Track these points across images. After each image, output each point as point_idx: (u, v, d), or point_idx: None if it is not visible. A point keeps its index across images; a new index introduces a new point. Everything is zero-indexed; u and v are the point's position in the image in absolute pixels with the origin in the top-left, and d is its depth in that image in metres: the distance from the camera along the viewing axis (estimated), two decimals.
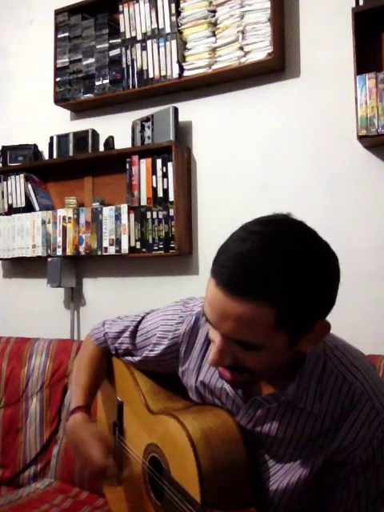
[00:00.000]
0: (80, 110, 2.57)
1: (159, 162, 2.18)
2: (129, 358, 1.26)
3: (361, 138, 1.79)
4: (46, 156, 2.60)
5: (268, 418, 0.97)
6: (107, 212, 2.31)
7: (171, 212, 2.14)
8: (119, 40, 2.34)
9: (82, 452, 1.14)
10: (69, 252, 2.41)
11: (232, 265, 0.80)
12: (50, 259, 2.44)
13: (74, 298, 2.53)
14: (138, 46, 2.28)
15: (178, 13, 2.19)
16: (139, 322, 1.22)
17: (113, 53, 2.37)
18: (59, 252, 2.43)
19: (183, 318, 1.12)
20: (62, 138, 2.49)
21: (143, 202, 2.22)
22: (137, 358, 1.22)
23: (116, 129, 2.42)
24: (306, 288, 0.79)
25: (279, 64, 2.05)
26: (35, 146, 2.61)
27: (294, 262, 0.79)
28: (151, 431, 1.12)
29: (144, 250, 2.21)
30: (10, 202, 2.59)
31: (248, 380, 0.93)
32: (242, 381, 0.93)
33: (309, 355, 0.93)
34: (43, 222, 2.48)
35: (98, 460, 1.10)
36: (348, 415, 0.90)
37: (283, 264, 0.78)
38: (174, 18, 2.19)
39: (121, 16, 2.32)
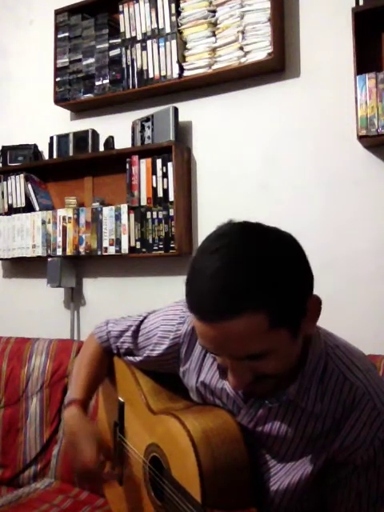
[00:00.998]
0: (80, 109, 2.57)
1: (159, 162, 2.18)
2: (130, 358, 1.26)
3: (361, 137, 1.80)
4: (46, 156, 2.60)
5: (269, 418, 0.97)
6: (107, 212, 2.31)
7: (171, 212, 2.14)
8: (119, 40, 2.34)
9: (75, 449, 1.14)
10: (69, 252, 2.41)
11: (204, 293, 0.80)
12: (50, 259, 2.44)
13: (74, 298, 2.53)
14: (138, 45, 2.28)
15: (178, 13, 2.19)
16: (141, 322, 1.22)
17: (113, 53, 2.37)
18: (59, 252, 2.43)
19: (184, 319, 1.12)
20: (62, 138, 2.49)
21: (143, 202, 2.22)
22: (138, 358, 1.23)
23: (116, 129, 2.42)
24: (281, 279, 0.80)
25: (279, 64, 2.05)
26: (35, 146, 2.61)
27: (259, 262, 0.79)
28: (152, 431, 1.12)
29: (144, 249, 2.21)
30: (9, 202, 2.59)
31: (273, 385, 0.92)
32: (268, 388, 0.93)
33: (310, 355, 0.93)
34: (43, 222, 2.48)
35: (88, 462, 1.10)
36: (349, 415, 0.90)
37: (251, 269, 0.78)
38: (174, 18, 2.19)
39: (121, 16, 2.32)
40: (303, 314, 0.85)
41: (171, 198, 2.15)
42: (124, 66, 2.32)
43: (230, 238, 0.83)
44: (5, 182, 2.59)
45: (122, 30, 2.33)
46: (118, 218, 2.28)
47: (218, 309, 0.79)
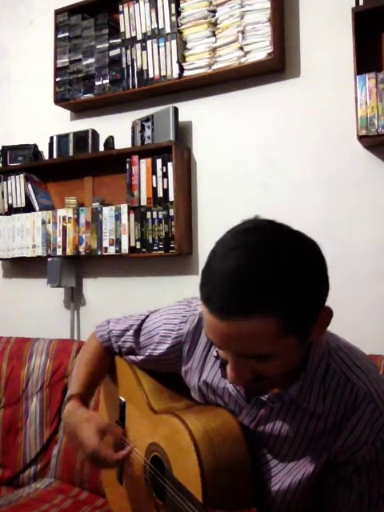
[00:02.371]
0: (80, 109, 2.57)
1: (159, 162, 2.18)
2: (132, 357, 1.26)
3: (361, 137, 1.80)
4: (46, 156, 2.60)
5: (271, 418, 0.97)
6: (107, 212, 2.31)
7: (171, 212, 2.14)
8: (119, 40, 2.34)
9: (75, 438, 1.14)
10: (69, 252, 2.41)
11: (221, 287, 0.79)
12: (49, 259, 2.44)
13: (74, 298, 2.53)
14: (138, 45, 2.28)
15: (178, 13, 2.19)
16: (143, 321, 1.22)
17: (113, 53, 2.37)
18: (59, 252, 2.43)
19: (187, 318, 1.12)
20: (62, 138, 2.49)
21: (143, 202, 2.22)
22: (140, 357, 1.23)
23: (116, 129, 2.41)
24: (299, 287, 0.79)
25: (279, 64, 2.05)
26: (35, 146, 2.61)
27: (280, 266, 0.77)
28: (153, 430, 1.12)
29: (144, 249, 2.21)
30: (10, 202, 2.59)
31: (267, 385, 0.93)
32: (264, 386, 0.94)
33: (312, 355, 0.93)
34: (43, 222, 2.48)
35: (87, 444, 1.09)
36: (351, 416, 0.90)
37: (270, 272, 0.77)
38: (173, 18, 2.19)
39: (121, 16, 2.32)
40: (314, 322, 0.84)
41: (171, 197, 2.15)
42: (124, 65, 2.32)
43: (254, 237, 0.81)
44: (5, 182, 2.59)
45: (122, 29, 2.33)
46: (118, 218, 2.28)
47: (230, 307, 0.78)
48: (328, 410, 0.92)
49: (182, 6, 2.19)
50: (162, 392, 1.20)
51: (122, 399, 1.30)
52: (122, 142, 2.35)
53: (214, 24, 2.13)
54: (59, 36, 2.52)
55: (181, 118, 2.22)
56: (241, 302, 0.77)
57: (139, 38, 2.28)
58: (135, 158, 2.24)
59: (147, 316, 1.23)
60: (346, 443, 0.90)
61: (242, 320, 0.78)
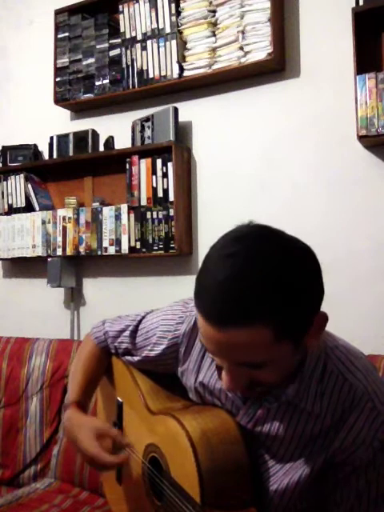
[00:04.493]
0: (80, 109, 2.57)
1: (159, 161, 2.18)
2: (128, 358, 1.26)
3: (361, 137, 1.80)
4: (46, 156, 2.61)
5: (268, 418, 0.96)
6: (107, 212, 2.31)
7: (171, 212, 2.14)
8: (119, 40, 2.34)
9: (76, 444, 1.14)
10: (69, 252, 2.41)
11: (214, 296, 0.79)
12: (49, 259, 2.44)
13: (74, 298, 2.53)
14: (138, 46, 2.28)
15: (178, 13, 2.19)
16: (139, 322, 1.22)
17: (113, 53, 2.37)
18: (59, 252, 2.43)
19: (183, 319, 1.12)
20: (62, 138, 2.49)
21: (143, 202, 2.22)
22: (136, 358, 1.22)
23: (116, 129, 2.42)
24: (293, 294, 0.78)
25: (279, 64, 2.05)
26: (35, 146, 2.61)
27: (274, 274, 0.77)
28: (151, 431, 1.12)
29: (144, 249, 2.21)
30: (9, 202, 2.59)
31: (265, 391, 0.93)
32: (259, 393, 0.93)
33: (309, 355, 0.93)
34: (43, 222, 2.48)
35: (86, 449, 1.10)
36: (348, 416, 0.90)
37: (265, 280, 0.76)
38: (174, 18, 2.18)
39: (121, 16, 2.32)
40: (308, 328, 0.84)
41: (171, 197, 2.15)
42: (124, 66, 2.32)
43: (247, 245, 0.80)
44: (5, 182, 2.59)
45: (122, 30, 2.33)
46: (118, 218, 2.28)
47: (224, 315, 0.78)
48: (325, 410, 0.92)
49: (182, 6, 2.19)
50: (159, 392, 1.19)
51: (120, 400, 1.30)
52: (122, 141, 2.35)
53: (214, 24, 2.12)
54: (59, 36, 2.52)
55: (181, 118, 2.22)
56: (232, 313, 0.77)
57: (139, 38, 2.28)
58: (135, 158, 2.24)
59: (143, 317, 1.22)
60: (343, 443, 0.90)
61: (235, 330, 0.77)
